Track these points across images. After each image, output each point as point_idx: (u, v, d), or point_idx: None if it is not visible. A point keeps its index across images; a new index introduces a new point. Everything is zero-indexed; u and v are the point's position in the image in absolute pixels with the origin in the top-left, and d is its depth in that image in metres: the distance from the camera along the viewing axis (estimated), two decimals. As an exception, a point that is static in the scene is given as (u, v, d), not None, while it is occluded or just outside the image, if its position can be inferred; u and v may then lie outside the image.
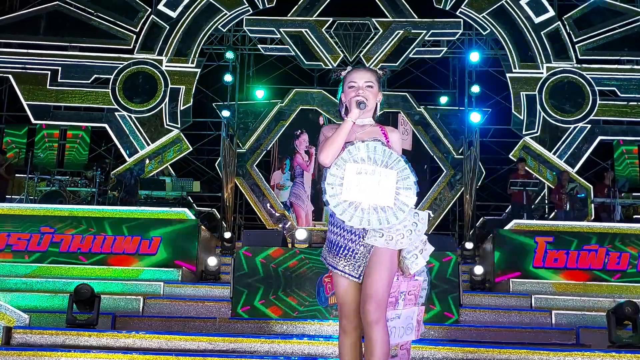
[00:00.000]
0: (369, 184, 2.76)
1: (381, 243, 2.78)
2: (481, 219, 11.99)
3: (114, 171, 12.17)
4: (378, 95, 3.00)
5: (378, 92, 3.00)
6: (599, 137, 12.84)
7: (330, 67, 13.24)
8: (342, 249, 2.86)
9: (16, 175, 11.59)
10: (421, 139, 13.75)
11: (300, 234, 8.87)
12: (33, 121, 13.02)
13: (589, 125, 12.81)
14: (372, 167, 2.78)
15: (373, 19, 13.47)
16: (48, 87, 13.00)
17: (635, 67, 12.97)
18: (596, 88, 12.84)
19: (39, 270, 8.20)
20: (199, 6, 13.41)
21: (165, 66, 13.19)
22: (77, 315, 5.79)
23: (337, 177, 2.78)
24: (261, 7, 13.45)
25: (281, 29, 13.48)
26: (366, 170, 2.78)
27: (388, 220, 2.74)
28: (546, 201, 12.58)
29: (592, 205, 12.00)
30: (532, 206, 11.38)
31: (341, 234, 2.87)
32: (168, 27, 13.31)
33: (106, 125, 13.07)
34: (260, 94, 14.16)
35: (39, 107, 13.00)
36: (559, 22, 13.14)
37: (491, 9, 13.22)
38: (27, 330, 5.28)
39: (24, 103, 12.98)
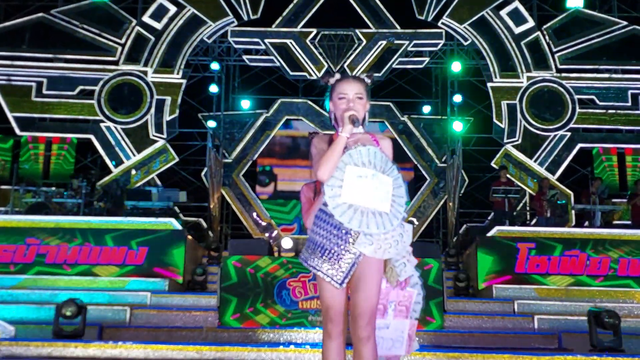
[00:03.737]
0: (368, 187, 2.76)
1: (370, 251, 2.76)
2: (464, 226, 12.12)
3: (100, 182, 12.13)
4: (367, 105, 3.00)
5: (367, 102, 3.00)
6: (579, 145, 13.03)
7: (315, 77, 13.31)
8: (326, 251, 2.80)
9: (1, 187, 11.51)
10: (405, 148, 13.90)
11: (286, 242, 8.95)
12: (18, 133, 12.94)
13: (569, 133, 13.00)
14: (372, 171, 2.79)
15: (356, 30, 13.62)
16: (33, 98, 12.95)
17: (614, 75, 13.21)
18: (575, 97, 13.05)
19: (24, 281, 8.19)
20: (184, 18, 13.47)
21: (151, 77, 13.21)
22: (64, 326, 5.80)
23: (337, 179, 2.77)
24: (246, 19, 13.54)
25: (266, 40, 13.58)
26: (366, 174, 2.78)
27: (384, 225, 2.74)
28: (527, 208, 12.75)
29: (573, 211, 12.18)
30: (514, 213, 11.52)
31: (327, 236, 2.82)
32: (153, 38, 13.35)
33: (92, 137, 13.04)
34: (245, 104, 14.24)
35: (24, 119, 12.94)
36: (539, 32, 13.37)
37: (472, 20, 13.43)
38: (13, 342, 5.29)
39: (9, 115, 12.89)
